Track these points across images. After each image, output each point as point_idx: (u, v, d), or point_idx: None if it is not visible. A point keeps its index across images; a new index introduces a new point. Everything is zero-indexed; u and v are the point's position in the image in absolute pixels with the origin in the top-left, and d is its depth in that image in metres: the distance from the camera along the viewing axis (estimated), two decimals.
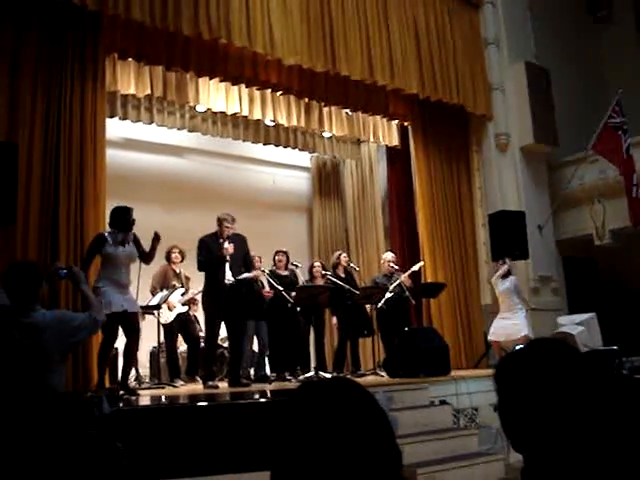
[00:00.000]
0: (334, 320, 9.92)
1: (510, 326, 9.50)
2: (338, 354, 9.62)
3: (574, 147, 11.45)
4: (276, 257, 9.64)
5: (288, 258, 9.68)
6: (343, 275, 9.78)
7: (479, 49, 11.62)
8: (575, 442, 1.11)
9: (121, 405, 5.76)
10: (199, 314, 9.79)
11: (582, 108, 12.51)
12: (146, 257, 7.13)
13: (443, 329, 10.19)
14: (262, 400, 6.10)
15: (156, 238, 7.12)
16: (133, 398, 6.51)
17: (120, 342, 7.24)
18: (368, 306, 9.70)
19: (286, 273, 9.47)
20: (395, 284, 9.52)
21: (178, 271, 9.33)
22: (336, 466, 1.03)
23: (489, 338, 9.86)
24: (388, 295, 9.38)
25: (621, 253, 12.07)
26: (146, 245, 7.14)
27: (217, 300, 7.63)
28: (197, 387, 8.47)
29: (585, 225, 11.82)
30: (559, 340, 1.66)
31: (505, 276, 9.79)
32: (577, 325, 9.19)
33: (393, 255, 10.27)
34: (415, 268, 9.93)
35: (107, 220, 7.18)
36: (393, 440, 1.11)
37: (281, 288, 8.89)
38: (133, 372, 8.71)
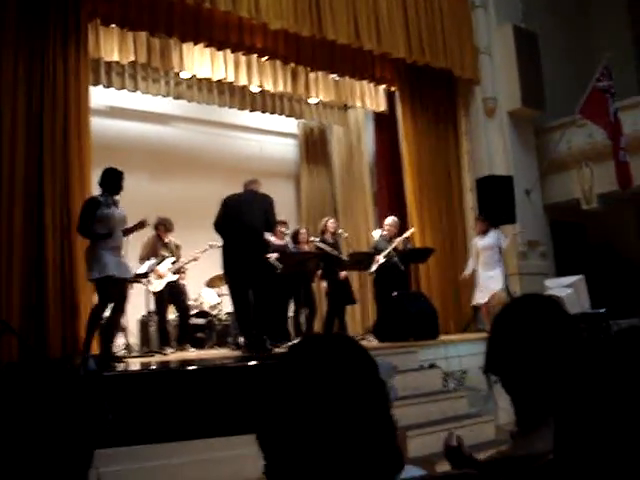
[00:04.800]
0: (323, 284, 9.80)
1: (488, 281, 9.46)
2: (328, 321, 9.61)
3: (562, 111, 11.41)
4: (278, 226, 9.48)
5: (287, 228, 9.59)
6: (331, 241, 9.73)
7: (466, 12, 11.50)
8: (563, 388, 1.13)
9: (109, 369, 5.77)
10: (187, 282, 9.78)
11: (570, 72, 12.46)
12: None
13: (431, 294, 10.23)
14: (251, 364, 6.11)
15: (140, 225, 7.01)
16: (119, 364, 6.49)
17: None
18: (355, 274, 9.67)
19: (282, 242, 9.35)
20: (387, 250, 9.50)
21: (167, 240, 9.28)
22: (327, 429, 1.01)
23: (473, 304, 9.84)
24: (382, 260, 9.38)
25: (609, 217, 12.12)
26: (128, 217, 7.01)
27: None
28: (187, 354, 8.50)
29: (573, 189, 11.84)
30: (546, 296, 1.70)
31: (484, 233, 9.67)
32: (565, 288, 9.22)
33: (394, 219, 10.10)
34: (407, 234, 9.90)
35: (93, 186, 7.08)
36: (387, 409, 1.09)
37: (268, 255, 8.83)
38: (123, 340, 8.71)
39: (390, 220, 10.08)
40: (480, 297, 9.53)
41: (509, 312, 1.63)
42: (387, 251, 9.47)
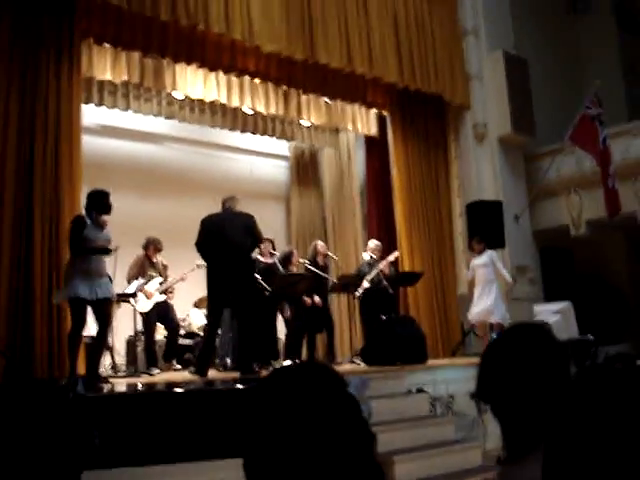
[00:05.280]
0: (317, 299, 9.69)
1: (485, 308, 9.55)
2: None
3: (551, 138, 11.50)
4: (260, 245, 9.46)
5: (273, 246, 9.55)
6: (322, 264, 9.74)
7: (457, 38, 11.62)
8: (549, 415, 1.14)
9: (95, 391, 5.72)
10: (174, 302, 9.74)
11: (560, 99, 12.58)
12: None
13: (420, 318, 10.23)
14: (239, 387, 6.07)
15: (106, 252, 6.80)
16: (106, 385, 6.42)
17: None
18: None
19: (269, 261, 9.32)
20: (373, 273, 9.49)
21: (155, 260, 9.24)
22: (306, 451, 1.02)
23: (471, 320, 9.83)
24: (367, 285, 9.37)
25: (597, 243, 12.17)
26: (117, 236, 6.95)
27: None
28: (174, 375, 8.44)
29: (562, 215, 11.89)
30: (538, 325, 1.71)
31: (480, 253, 9.82)
32: (553, 314, 9.24)
33: (377, 243, 10.12)
34: (391, 258, 9.87)
35: (82, 204, 7.04)
36: (364, 424, 1.11)
37: (258, 277, 8.81)
38: (109, 360, 8.65)
39: (373, 244, 10.10)
40: (477, 316, 9.63)
41: (501, 341, 1.64)
42: (372, 275, 9.46)
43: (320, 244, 10.02)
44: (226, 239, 7.41)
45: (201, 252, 7.59)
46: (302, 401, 1.06)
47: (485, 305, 9.58)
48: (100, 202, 6.61)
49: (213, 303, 7.63)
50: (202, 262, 8.04)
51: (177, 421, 5.15)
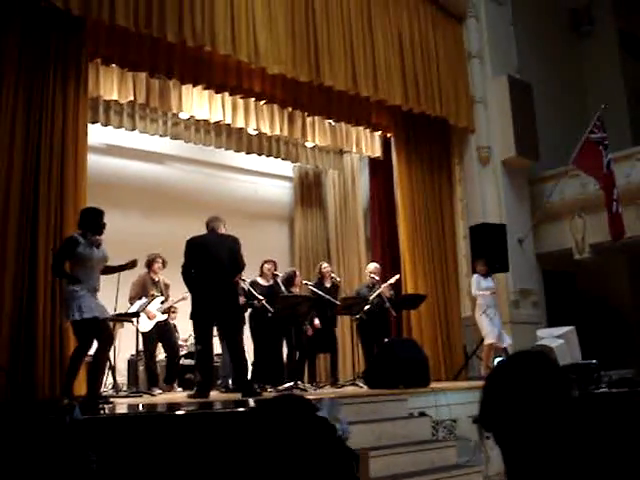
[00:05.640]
0: (316, 321, 9.70)
1: (498, 332, 9.62)
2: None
3: (555, 161, 11.53)
4: (265, 265, 9.47)
5: (276, 267, 9.57)
6: (329, 285, 9.76)
7: (462, 62, 11.69)
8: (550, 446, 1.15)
9: (94, 413, 5.69)
10: (177, 322, 9.74)
11: (564, 123, 12.63)
12: (106, 270, 6.75)
13: (423, 341, 10.19)
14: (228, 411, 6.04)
15: (132, 265, 6.96)
16: (106, 406, 6.38)
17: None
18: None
19: (270, 283, 9.34)
20: (374, 295, 9.49)
21: (157, 279, 9.25)
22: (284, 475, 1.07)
23: (491, 342, 9.72)
24: (367, 306, 9.37)
25: (600, 267, 12.15)
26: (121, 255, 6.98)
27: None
28: (175, 396, 8.41)
29: (565, 239, 11.89)
30: (540, 352, 1.71)
31: (485, 276, 9.82)
32: (556, 338, 9.20)
33: (376, 266, 10.20)
34: (392, 281, 9.85)
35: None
36: (339, 443, 1.15)
37: (261, 298, 8.81)
38: (110, 380, 8.63)
39: (372, 267, 10.13)
40: (498, 338, 9.59)
41: (503, 369, 1.64)
42: (372, 297, 9.46)
43: (324, 266, 10.05)
44: (212, 263, 7.30)
45: (185, 276, 7.43)
46: (276, 431, 1.12)
47: (498, 328, 9.60)
48: (93, 221, 6.56)
49: (200, 328, 7.53)
50: None
51: (177, 444, 5.12)
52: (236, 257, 7.48)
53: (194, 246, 7.41)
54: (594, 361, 8.94)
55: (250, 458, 1.11)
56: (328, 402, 5.61)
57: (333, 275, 10.06)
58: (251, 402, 6.72)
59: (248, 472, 1.11)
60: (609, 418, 0.99)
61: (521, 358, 1.64)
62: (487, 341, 9.62)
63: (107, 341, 6.68)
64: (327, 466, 1.10)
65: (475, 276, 9.91)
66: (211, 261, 7.32)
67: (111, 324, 7.28)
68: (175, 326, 9.77)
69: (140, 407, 6.74)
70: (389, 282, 9.78)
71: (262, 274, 9.39)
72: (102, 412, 5.83)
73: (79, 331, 6.35)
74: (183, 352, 10.23)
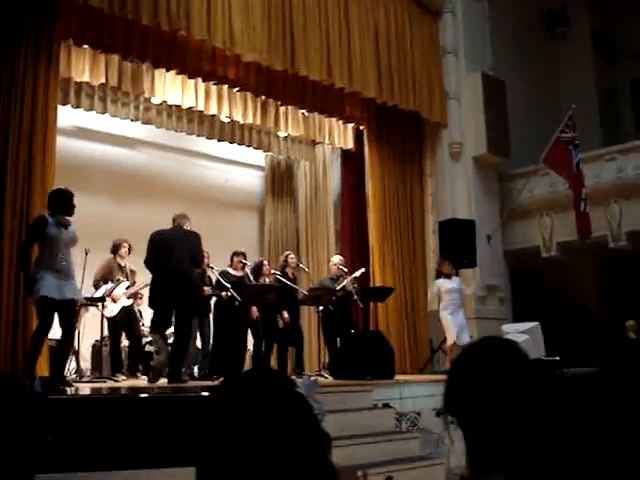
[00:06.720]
0: (285, 315, 9.69)
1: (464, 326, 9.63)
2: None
3: (526, 159, 11.62)
4: (235, 258, 9.45)
5: (245, 258, 9.53)
6: (292, 276, 9.76)
7: (437, 57, 11.72)
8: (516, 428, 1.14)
9: (55, 392, 5.63)
10: (142, 309, 9.66)
11: (536, 121, 12.73)
12: None
13: (389, 333, 10.22)
14: (193, 395, 6.01)
15: None
16: (68, 388, 6.31)
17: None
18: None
19: (240, 274, 9.30)
20: (340, 287, 9.51)
21: (123, 264, 9.16)
22: (257, 456, 1.04)
23: (453, 341, 9.69)
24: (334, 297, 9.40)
25: (567, 265, 12.29)
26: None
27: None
28: (138, 382, 8.36)
29: (533, 237, 12.01)
30: (507, 339, 1.72)
31: (450, 277, 9.80)
32: (521, 333, 9.28)
33: (340, 258, 10.22)
34: (357, 274, 9.85)
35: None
36: (315, 421, 1.12)
37: (228, 286, 8.77)
38: (74, 365, 8.54)
39: (337, 259, 10.13)
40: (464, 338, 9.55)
41: (470, 352, 1.64)
42: (338, 288, 9.47)
43: (291, 256, 10.03)
44: (171, 261, 7.60)
45: (150, 268, 7.80)
46: (251, 404, 1.09)
47: (458, 327, 9.54)
48: (63, 202, 6.52)
49: (157, 314, 7.85)
50: None
51: (135, 427, 5.09)
52: (196, 252, 7.79)
53: (156, 239, 7.75)
54: (557, 357, 9.05)
55: (221, 433, 1.07)
56: (305, 381, 5.63)
57: (301, 265, 10.06)
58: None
59: (219, 447, 1.08)
60: (574, 398, 0.98)
61: (488, 342, 1.64)
62: (449, 341, 9.65)
63: (71, 324, 6.63)
64: (302, 444, 1.07)
65: (438, 282, 9.81)
66: (170, 254, 7.60)
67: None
68: (140, 312, 9.69)
69: (103, 391, 6.69)
70: (354, 275, 9.79)
71: (232, 265, 9.38)
72: (63, 393, 5.78)
73: (39, 310, 6.33)
74: (148, 339, 10.15)
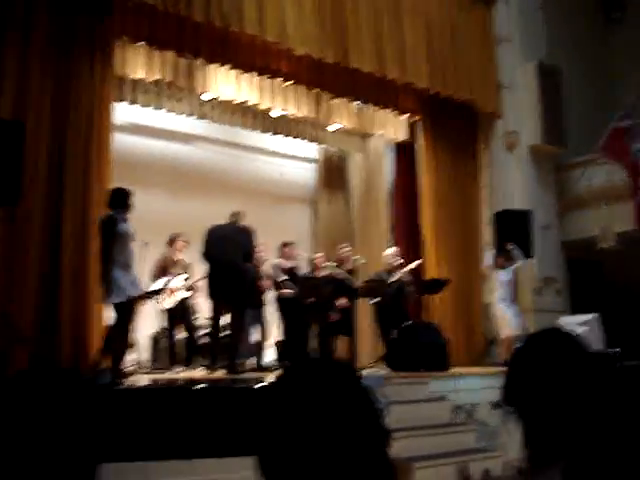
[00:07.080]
0: (342, 301, 9.65)
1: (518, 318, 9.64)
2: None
3: (582, 148, 11.40)
4: (284, 248, 9.57)
5: (295, 250, 9.64)
6: (348, 269, 9.76)
7: (490, 46, 11.58)
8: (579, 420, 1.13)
9: (119, 384, 5.77)
10: (200, 302, 9.76)
11: (592, 109, 12.46)
12: None
13: (444, 325, 10.16)
14: (245, 386, 6.08)
15: None
16: (128, 380, 6.47)
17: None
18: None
19: (290, 265, 9.39)
20: (394, 279, 9.49)
21: (179, 258, 9.27)
22: (320, 444, 1.04)
23: (510, 333, 9.65)
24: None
25: (626, 256, 12.03)
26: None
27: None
28: (196, 373, 8.48)
29: (591, 227, 11.76)
30: (568, 332, 1.69)
31: (503, 267, 9.81)
32: (579, 325, 9.15)
33: (396, 250, 10.19)
34: (412, 266, 9.84)
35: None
36: (379, 416, 1.12)
37: (285, 278, 8.87)
38: (134, 356, 8.71)
39: (391, 252, 10.09)
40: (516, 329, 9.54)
41: (530, 344, 1.63)
42: (391, 281, 9.46)
43: (346, 249, 10.04)
44: (223, 256, 7.97)
45: (206, 259, 8.17)
46: (316, 395, 1.08)
47: (514, 318, 9.57)
48: (123, 200, 6.68)
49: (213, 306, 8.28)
50: None
51: (195, 417, 5.18)
52: (248, 247, 8.13)
53: (213, 233, 8.11)
54: (617, 350, 8.88)
55: (285, 423, 1.07)
56: (372, 376, 5.67)
57: (356, 257, 10.05)
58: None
59: (282, 436, 1.07)
60: (635, 391, 0.97)
61: (546, 333, 1.63)
62: (505, 333, 9.58)
63: (132, 317, 6.80)
64: (364, 438, 1.07)
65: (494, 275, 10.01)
66: (224, 248, 7.96)
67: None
68: (196, 305, 9.80)
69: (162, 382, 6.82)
70: (410, 266, 9.77)
71: (282, 255, 9.49)
72: (125, 384, 5.91)
73: (120, 311, 6.48)
74: (205, 331, 10.26)
